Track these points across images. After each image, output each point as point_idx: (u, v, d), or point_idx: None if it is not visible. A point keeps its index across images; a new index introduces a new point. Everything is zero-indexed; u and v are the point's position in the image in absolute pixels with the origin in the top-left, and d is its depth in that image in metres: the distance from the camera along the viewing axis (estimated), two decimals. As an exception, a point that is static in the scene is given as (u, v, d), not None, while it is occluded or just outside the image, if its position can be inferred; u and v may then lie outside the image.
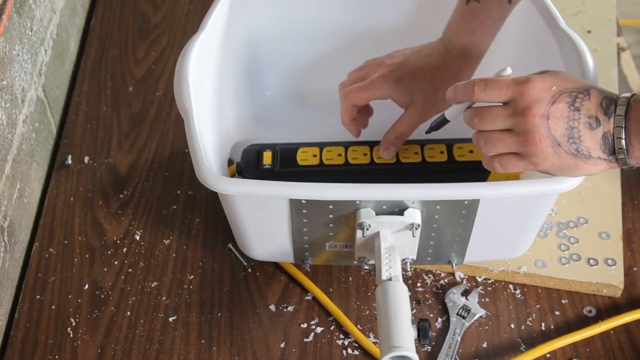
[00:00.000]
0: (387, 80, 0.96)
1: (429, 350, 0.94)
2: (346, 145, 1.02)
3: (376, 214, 0.86)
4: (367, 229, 0.86)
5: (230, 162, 1.05)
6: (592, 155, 0.79)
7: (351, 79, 1.01)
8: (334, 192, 0.84)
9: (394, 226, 0.86)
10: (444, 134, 0.93)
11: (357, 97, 0.98)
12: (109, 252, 1.03)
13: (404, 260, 0.90)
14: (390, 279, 0.83)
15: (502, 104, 0.81)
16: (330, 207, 0.86)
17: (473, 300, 0.97)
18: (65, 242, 1.04)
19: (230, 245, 1.02)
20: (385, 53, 1.01)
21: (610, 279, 0.97)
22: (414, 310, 0.97)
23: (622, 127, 0.77)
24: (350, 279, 1.00)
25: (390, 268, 0.84)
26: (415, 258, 0.91)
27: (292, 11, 1.10)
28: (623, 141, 0.77)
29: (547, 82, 0.79)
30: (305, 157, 1.00)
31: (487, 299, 0.98)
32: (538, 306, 0.97)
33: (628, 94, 0.79)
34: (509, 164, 0.82)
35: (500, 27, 0.97)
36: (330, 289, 0.99)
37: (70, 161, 1.12)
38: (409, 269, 0.93)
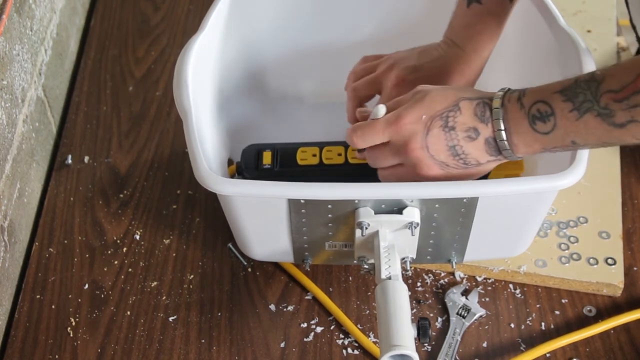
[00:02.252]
0: (405, 82, 0.96)
1: (429, 349, 0.94)
2: (346, 145, 1.02)
3: (375, 213, 0.86)
4: (366, 228, 0.86)
5: (230, 162, 1.05)
6: (481, 161, 0.83)
7: (357, 79, 1.01)
8: (332, 192, 0.84)
9: (393, 225, 0.86)
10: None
11: (366, 93, 0.99)
12: (109, 252, 1.03)
13: (403, 259, 0.90)
14: (389, 278, 0.83)
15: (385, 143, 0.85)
16: (329, 206, 0.86)
17: (473, 300, 0.97)
18: (65, 241, 1.04)
19: (230, 245, 1.02)
20: (387, 53, 1.01)
21: (610, 278, 0.97)
22: (414, 310, 0.97)
23: (502, 130, 0.80)
24: (350, 278, 1.00)
25: (390, 267, 0.84)
26: (414, 257, 0.91)
27: (292, 11, 1.10)
28: (506, 142, 0.80)
29: (416, 114, 0.82)
30: (305, 157, 1.00)
31: (487, 299, 0.98)
32: (538, 306, 0.97)
33: (501, 92, 0.81)
34: None
35: (504, 25, 0.97)
36: (330, 289, 0.99)
37: (70, 161, 1.12)
38: (408, 268, 0.93)
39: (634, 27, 1.06)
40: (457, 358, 0.93)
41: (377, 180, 0.87)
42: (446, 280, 1.00)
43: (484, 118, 0.81)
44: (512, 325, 0.96)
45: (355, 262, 0.93)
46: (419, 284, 0.99)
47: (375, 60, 1.02)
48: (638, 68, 0.73)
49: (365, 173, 0.99)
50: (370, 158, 0.88)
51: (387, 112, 0.85)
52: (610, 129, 0.75)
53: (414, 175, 0.84)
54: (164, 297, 0.99)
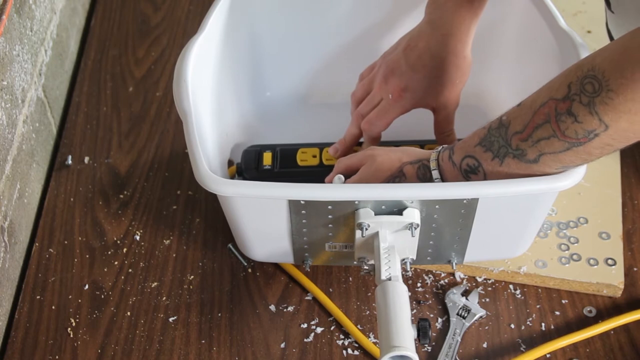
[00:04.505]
0: (407, 95, 0.97)
1: (429, 350, 0.94)
2: (346, 145, 1.02)
3: (375, 214, 0.86)
4: (366, 229, 0.86)
5: (230, 162, 1.05)
6: None
7: (359, 101, 1.02)
8: (332, 193, 0.84)
9: (393, 226, 0.86)
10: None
11: (383, 123, 0.99)
12: (109, 252, 1.03)
13: (403, 260, 0.90)
14: (389, 279, 0.83)
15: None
16: (329, 207, 0.86)
17: (473, 301, 0.97)
18: (65, 242, 1.04)
19: (230, 246, 1.02)
20: (376, 60, 1.01)
21: (611, 279, 0.97)
22: (414, 311, 0.97)
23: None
24: (350, 279, 1.00)
25: (390, 268, 0.84)
26: (414, 258, 0.91)
27: (292, 12, 1.10)
28: None
29: (362, 180, 0.89)
30: (305, 158, 1.00)
31: (487, 299, 0.98)
32: (538, 306, 0.97)
33: (435, 153, 0.87)
34: None
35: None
36: (331, 289, 0.99)
37: (70, 161, 1.12)
38: (408, 269, 0.93)
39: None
40: (457, 358, 0.93)
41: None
42: (446, 280, 1.00)
43: (425, 179, 0.87)
44: (512, 326, 0.96)
45: (355, 263, 0.93)
46: (419, 284, 0.99)
47: (369, 74, 1.02)
48: (533, 106, 0.77)
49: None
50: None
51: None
52: (528, 166, 0.80)
53: None
54: (164, 298, 0.99)
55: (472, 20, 0.96)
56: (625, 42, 0.71)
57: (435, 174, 0.86)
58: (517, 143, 0.79)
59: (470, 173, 0.84)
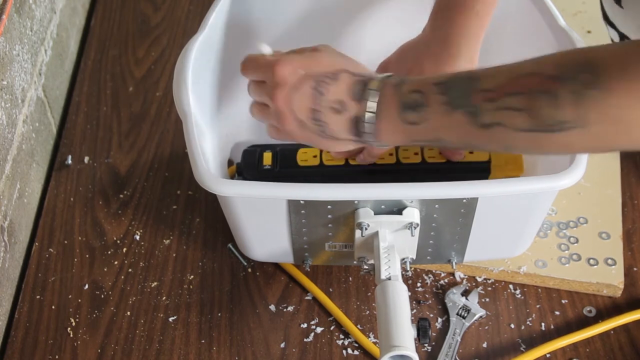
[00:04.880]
0: None
1: (429, 350, 0.94)
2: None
3: (375, 214, 0.86)
4: (366, 229, 0.86)
5: (230, 162, 1.05)
6: (339, 136, 0.81)
7: None
8: (332, 193, 0.84)
9: (392, 226, 0.86)
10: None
11: (381, 150, 0.96)
12: (109, 252, 1.03)
13: (403, 259, 0.90)
14: (389, 279, 0.83)
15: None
16: (329, 207, 0.86)
17: (473, 300, 0.97)
18: (65, 242, 1.04)
19: (230, 245, 1.02)
20: (389, 53, 1.01)
21: (610, 279, 0.97)
22: (414, 311, 0.97)
23: (371, 113, 0.78)
24: (350, 279, 1.00)
25: (390, 267, 0.84)
26: (414, 257, 0.91)
27: (293, 11, 1.10)
28: (371, 126, 0.79)
29: (295, 65, 0.81)
30: (305, 158, 1.00)
31: (487, 299, 0.98)
32: (538, 306, 0.97)
33: (383, 75, 0.79)
34: (273, 134, 0.87)
35: (492, 12, 0.95)
36: (330, 289, 0.99)
37: (70, 161, 1.12)
38: (408, 269, 0.93)
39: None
40: (457, 358, 0.93)
41: (377, 182, 0.87)
42: (446, 280, 1.00)
43: (357, 96, 0.79)
44: (512, 326, 0.96)
45: (355, 262, 0.93)
46: (419, 284, 0.99)
47: None
48: (513, 73, 0.71)
49: (365, 174, 0.99)
50: (249, 87, 0.88)
51: None
52: (475, 129, 0.73)
53: (275, 120, 0.84)
54: (164, 298, 0.99)
55: (480, 33, 0.94)
56: (635, 46, 0.66)
57: (370, 94, 0.78)
58: (480, 101, 0.72)
59: (408, 109, 0.76)
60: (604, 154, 1.07)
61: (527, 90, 0.69)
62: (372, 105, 0.78)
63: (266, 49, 0.86)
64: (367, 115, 0.78)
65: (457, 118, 0.73)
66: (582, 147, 0.72)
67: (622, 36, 1.04)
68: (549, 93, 0.68)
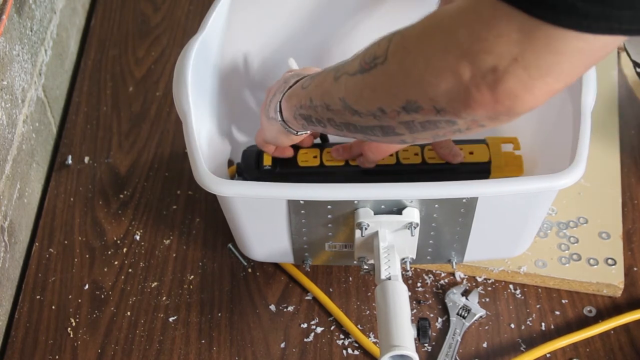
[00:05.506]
0: None
1: (429, 350, 0.94)
2: (346, 145, 1.02)
3: (375, 214, 0.86)
4: (366, 229, 0.86)
5: (230, 162, 1.05)
6: (271, 115, 0.90)
7: None
8: (332, 193, 0.84)
9: (392, 225, 0.86)
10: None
11: (382, 154, 0.97)
12: (109, 252, 1.03)
13: (403, 259, 0.90)
14: (389, 278, 0.83)
15: None
16: (329, 207, 0.86)
17: (473, 300, 0.97)
18: (65, 242, 1.04)
19: (230, 245, 1.02)
20: None
21: (610, 278, 0.97)
22: (414, 310, 0.97)
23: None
24: (350, 279, 1.00)
25: (390, 267, 0.84)
26: (414, 257, 0.91)
27: (293, 11, 1.10)
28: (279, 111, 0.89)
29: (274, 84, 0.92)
30: (305, 159, 1.00)
31: (487, 299, 0.98)
32: (538, 306, 0.97)
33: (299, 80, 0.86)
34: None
35: None
36: (331, 289, 0.99)
37: (70, 161, 1.12)
38: (408, 268, 0.93)
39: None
40: (457, 358, 0.93)
41: (378, 182, 0.87)
42: (446, 280, 1.00)
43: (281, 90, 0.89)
44: (512, 326, 0.96)
45: (355, 262, 0.93)
46: (419, 284, 0.99)
47: None
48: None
49: (365, 174, 0.99)
50: None
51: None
52: (330, 83, 0.77)
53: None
54: (164, 298, 0.99)
55: None
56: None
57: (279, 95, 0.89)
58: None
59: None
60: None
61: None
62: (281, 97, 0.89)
63: (293, 64, 0.91)
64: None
65: (326, 77, 0.79)
66: (382, 92, 0.71)
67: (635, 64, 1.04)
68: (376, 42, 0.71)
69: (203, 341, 0.95)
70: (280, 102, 0.88)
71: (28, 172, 1.06)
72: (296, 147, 1.02)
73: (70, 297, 0.99)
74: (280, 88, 0.89)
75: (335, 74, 0.77)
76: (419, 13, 1.00)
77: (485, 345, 0.94)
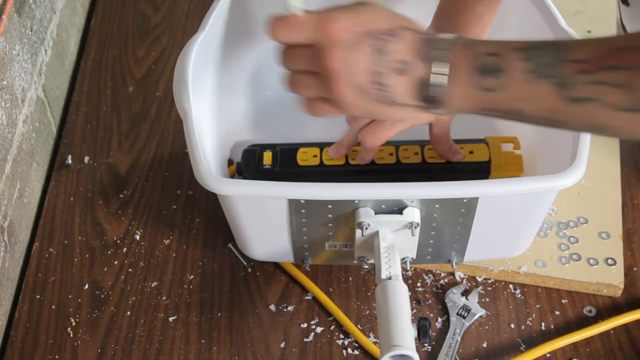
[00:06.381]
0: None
1: (429, 350, 0.94)
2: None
3: (375, 213, 0.86)
4: (366, 228, 0.86)
5: (230, 162, 1.05)
6: (399, 100, 0.72)
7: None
8: (332, 192, 0.84)
9: (393, 225, 0.86)
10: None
11: (381, 138, 0.93)
12: (109, 252, 1.03)
13: (403, 259, 0.90)
14: (389, 278, 0.83)
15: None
16: (329, 206, 0.86)
17: (473, 300, 0.97)
18: (65, 242, 1.04)
19: (230, 245, 1.02)
20: None
21: (610, 278, 0.97)
22: (414, 310, 0.97)
23: (442, 75, 0.69)
24: (350, 278, 1.00)
25: (390, 267, 0.84)
26: (414, 257, 0.91)
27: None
28: (441, 89, 0.70)
29: (351, 22, 0.70)
30: (305, 158, 1.00)
31: (487, 299, 0.98)
32: (538, 306, 0.97)
33: (452, 35, 0.71)
34: (319, 109, 0.76)
35: (494, 15, 0.94)
36: (331, 289, 0.99)
37: (70, 161, 1.12)
38: (408, 268, 0.93)
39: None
40: (457, 358, 0.93)
41: (377, 182, 0.87)
42: (446, 280, 1.00)
43: (425, 56, 0.70)
44: (512, 326, 0.96)
45: (355, 262, 0.93)
46: (419, 284, 0.99)
47: None
48: (607, 45, 0.65)
49: (365, 174, 0.99)
50: (283, 55, 0.75)
51: None
52: (562, 103, 0.66)
53: (325, 89, 0.73)
54: (164, 298, 0.99)
55: (482, 34, 0.93)
56: None
57: (439, 54, 0.69)
58: (571, 72, 0.65)
59: (485, 72, 0.68)
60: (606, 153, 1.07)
61: (628, 65, 0.63)
62: (442, 66, 0.69)
63: (296, 3, 0.72)
64: (436, 77, 0.70)
65: (542, 89, 0.66)
66: None
67: None
68: None
69: (203, 341, 0.95)
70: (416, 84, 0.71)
71: (28, 172, 1.06)
72: (296, 147, 1.02)
73: (70, 296, 0.99)
74: (389, 64, 0.70)
75: (567, 93, 0.66)
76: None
77: (485, 345, 0.94)
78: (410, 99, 0.72)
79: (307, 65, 0.73)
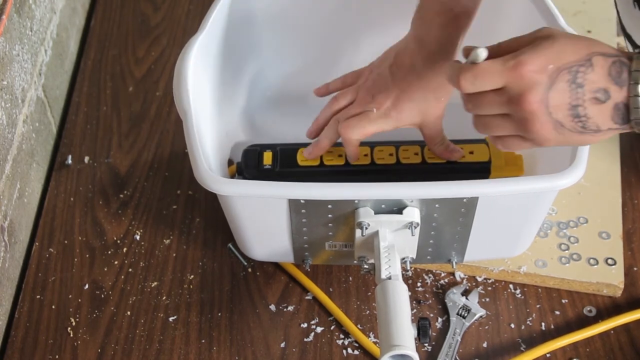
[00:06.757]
0: (392, 114, 0.94)
1: (429, 350, 0.94)
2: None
3: (375, 213, 0.86)
4: (366, 228, 0.86)
5: (230, 162, 1.05)
6: (602, 128, 0.72)
7: (340, 108, 0.98)
8: (332, 192, 0.84)
9: (393, 225, 0.86)
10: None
11: (361, 133, 0.94)
12: (109, 252, 1.03)
13: (403, 259, 0.90)
14: (389, 278, 0.83)
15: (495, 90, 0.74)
16: (329, 206, 0.86)
17: (473, 300, 0.97)
18: (65, 242, 1.04)
19: (230, 245, 1.02)
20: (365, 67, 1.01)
21: (610, 278, 0.97)
22: (414, 310, 0.97)
23: (638, 96, 0.70)
24: (351, 278, 1.00)
25: (390, 267, 0.84)
26: (414, 257, 0.91)
27: (293, 11, 1.10)
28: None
29: (541, 61, 0.71)
30: (305, 158, 1.00)
31: (487, 299, 0.98)
32: (538, 306, 0.97)
33: (636, 55, 0.71)
34: (513, 145, 0.77)
35: (473, 16, 0.94)
36: (331, 289, 0.99)
37: (70, 161, 1.12)
38: (408, 268, 0.93)
39: (623, 30, 1.06)
40: (457, 358, 0.93)
41: (377, 182, 0.87)
42: (446, 280, 1.00)
43: (619, 80, 0.70)
44: (512, 326, 0.96)
45: (355, 262, 0.93)
46: (419, 284, 0.99)
47: (354, 81, 1.00)
48: None
49: (365, 174, 0.99)
50: (471, 102, 0.76)
51: (492, 56, 0.73)
52: None
53: (521, 129, 0.73)
54: (164, 297, 0.99)
55: (459, 36, 0.93)
56: None
57: (636, 76, 0.69)
58: None
59: None
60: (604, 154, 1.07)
61: None
62: (636, 88, 0.70)
63: (484, 54, 0.73)
64: (634, 99, 0.70)
65: None
66: None
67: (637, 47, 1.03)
68: None
69: (203, 341, 0.95)
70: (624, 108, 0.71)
71: (28, 172, 1.06)
72: (296, 147, 1.02)
73: (70, 296, 0.99)
74: (588, 95, 0.71)
75: None
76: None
77: (485, 345, 0.94)
78: (608, 124, 0.72)
79: (501, 109, 0.74)
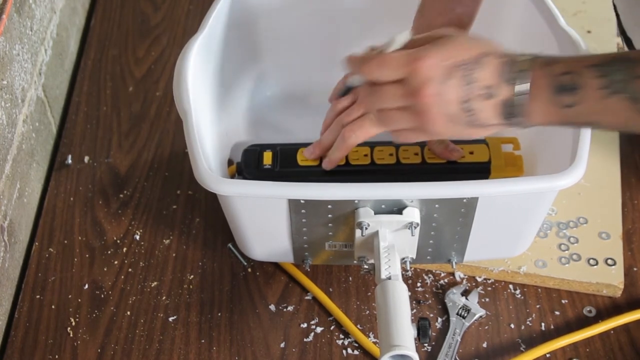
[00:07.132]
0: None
1: (429, 350, 0.94)
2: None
3: (375, 213, 0.86)
4: (366, 228, 0.86)
5: (230, 162, 1.05)
6: (490, 122, 0.78)
7: (342, 109, 0.95)
8: (332, 192, 0.84)
9: (392, 225, 0.86)
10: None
11: (363, 135, 0.92)
12: (109, 252, 1.03)
13: (403, 259, 0.90)
14: (389, 278, 0.83)
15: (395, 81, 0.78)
16: (329, 206, 0.86)
17: (473, 300, 0.97)
18: (65, 242, 1.04)
19: (230, 245, 1.02)
20: None
21: (610, 279, 0.97)
22: (414, 310, 0.97)
23: (524, 94, 0.75)
24: (350, 278, 1.00)
25: (390, 267, 0.84)
26: (414, 257, 0.91)
27: (293, 11, 1.10)
28: (524, 107, 0.76)
29: (439, 57, 0.76)
30: (305, 158, 1.00)
31: (487, 299, 0.98)
32: (538, 306, 0.97)
33: (529, 55, 0.76)
34: (409, 139, 0.82)
35: (474, 16, 0.96)
36: (330, 289, 0.99)
37: (70, 161, 1.12)
38: (408, 268, 0.93)
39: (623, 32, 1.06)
40: (457, 358, 0.93)
41: (377, 182, 0.87)
42: (446, 280, 1.00)
43: (508, 78, 0.75)
44: (512, 326, 0.96)
45: (355, 262, 0.93)
46: (419, 284, 0.99)
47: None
48: None
49: (365, 174, 0.99)
50: (370, 95, 0.82)
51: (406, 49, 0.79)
52: (637, 115, 0.71)
53: (417, 121, 0.79)
54: (164, 297, 0.99)
55: (475, 12, 0.95)
56: None
57: (521, 76, 0.74)
58: None
59: (562, 91, 0.73)
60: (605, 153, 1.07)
61: None
62: (523, 86, 0.75)
63: (402, 39, 0.78)
64: (519, 97, 0.75)
65: (617, 103, 0.71)
66: None
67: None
68: None
69: (203, 341, 0.95)
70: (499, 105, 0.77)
71: (28, 171, 1.06)
72: (296, 147, 1.02)
73: (70, 296, 0.99)
74: (478, 91, 0.76)
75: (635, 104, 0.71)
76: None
77: (485, 345, 0.94)
78: (496, 119, 0.77)
79: (398, 102, 0.79)
